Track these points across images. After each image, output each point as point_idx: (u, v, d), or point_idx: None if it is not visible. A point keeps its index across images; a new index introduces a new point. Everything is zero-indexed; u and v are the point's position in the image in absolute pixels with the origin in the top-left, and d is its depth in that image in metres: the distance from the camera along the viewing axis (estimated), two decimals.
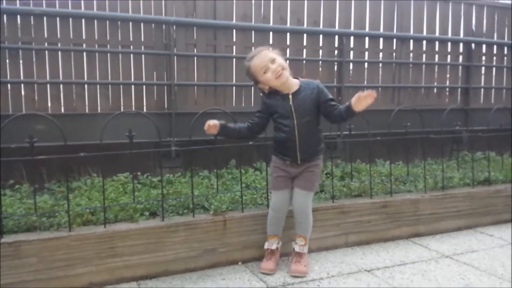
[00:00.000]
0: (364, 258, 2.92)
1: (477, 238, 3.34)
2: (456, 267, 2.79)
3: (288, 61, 3.91)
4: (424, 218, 3.35)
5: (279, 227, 2.75)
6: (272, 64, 2.53)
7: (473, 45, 4.94)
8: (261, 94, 2.71)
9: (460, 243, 3.21)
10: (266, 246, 2.74)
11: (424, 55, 4.79)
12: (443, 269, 2.75)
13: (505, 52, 5.16)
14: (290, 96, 2.59)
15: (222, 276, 2.62)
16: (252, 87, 3.98)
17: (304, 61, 4.23)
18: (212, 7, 3.85)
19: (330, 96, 2.63)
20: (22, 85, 3.36)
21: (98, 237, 2.45)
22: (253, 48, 4.00)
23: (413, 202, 3.31)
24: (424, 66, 4.79)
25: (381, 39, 4.57)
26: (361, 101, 2.41)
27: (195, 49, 3.84)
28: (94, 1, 3.51)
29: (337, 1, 4.34)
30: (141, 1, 3.63)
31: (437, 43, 4.85)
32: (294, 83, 2.63)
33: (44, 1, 3.38)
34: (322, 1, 4.27)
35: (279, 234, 2.76)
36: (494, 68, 5.13)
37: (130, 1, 3.60)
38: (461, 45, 4.95)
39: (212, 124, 2.54)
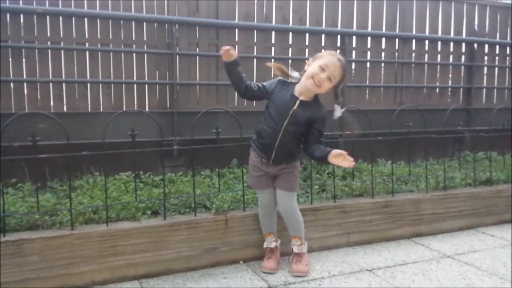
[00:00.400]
0: (366, 257, 2.93)
1: (478, 238, 3.34)
2: (458, 267, 2.79)
3: (290, 61, 3.93)
4: (426, 218, 3.35)
5: (271, 224, 2.75)
6: (327, 78, 2.46)
7: (475, 45, 4.92)
8: (279, 78, 2.65)
9: (462, 243, 3.21)
10: (265, 245, 2.76)
11: (426, 55, 4.78)
12: (444, 269, 2.76)
13: (508, 52, 5.14)
14: (298, 102, 2.54)
15: (223, 275, 2.62)
16: None
17: (306, 61, 4.22)
18: (215, 6, 3.85)
19: (322, 131, 2.58)
20: (25, 84, 3.37)
21: (100, 235, 2.46)
22: (255, 47, 4.01)
23: (415, 202, 3.31)
24: (426, 66, 4.78)
25: (383, 39, 4.56)
26: (339, 158, 2.39)
27: (197, 49, 3.85)
28: (97, 1, 3.51)
29: (340, 1, 4.33)
30: (143, 1, 3.63)
31: (439, 43, 4.84)
32: (311, 95, 2.57)
33: (47, 0, 3.38)
34: (324, 1, 4.26)
35: (274, 232, 2.76)
36: (496, 68, 5.12)
37: (132, 1, 3.60)
38: (463, 45, 4.93)
39: (231, 52, 2.46)
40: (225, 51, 2.45)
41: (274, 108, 2.57)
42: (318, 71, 2.47)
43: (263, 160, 2.63)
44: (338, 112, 2.61)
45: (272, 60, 4.03)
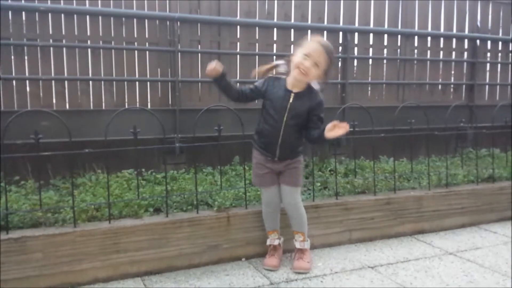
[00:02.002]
0: (368, 254, 2.93)
1: (481, 235, 3.33)
2: (460, 264, 2.79)
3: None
4: (428, 215, 3.35)
5: (275, 221, 2.76)
6: (313, 65, 2.45)
7: (478, 41, 4.92)
8: (272, 74, 2.66)
9: (464, 240, 3.21)
10: (268, 242, 2.76)
11: (428, 52, 4.77)
12: (446, 266, 2.76)
13: (510, 49, 5.14)
14: (292, 95, 2.56)
15: (225, 272, 2.63)
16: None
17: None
18: (217, 3, 3.85)
19: (321, 116, 2.59)
20: (27, 81, 3.38)
21: (103, 233, 2.46)
22: (257, 44, 4.01)
23: (417, 199, 3.31)
24: (428, 62, 4.77)
25: (385, 36, 4.56)
26: (334, 130, 2.39)
27: (199, 46, 3.85)
28: None
29: None
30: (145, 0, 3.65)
31: (442, 39, 4.83)
32: (303, 86, 2.58)
33: None
34: None
35: (277, 229, 2.77)
36: (499, 65, 5.11)
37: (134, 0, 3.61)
38: (466, 41, 4.92)
39: (215, 69, 2.43)
40: (212, 68, 2.43)
41: (271, 105, 2.58)
42: (302, 59, 2.47)
43: (268, 158, 2.64)
44: (315, 85, 2.60)
45: (274, 57, 4.04)
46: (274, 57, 4.05)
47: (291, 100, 2.54)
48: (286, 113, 2.54)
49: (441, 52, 4.83)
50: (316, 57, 2.46)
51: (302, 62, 2.46)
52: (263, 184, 2.70)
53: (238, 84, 2.63)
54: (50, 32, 3.40)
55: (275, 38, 4.09)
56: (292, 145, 2.62)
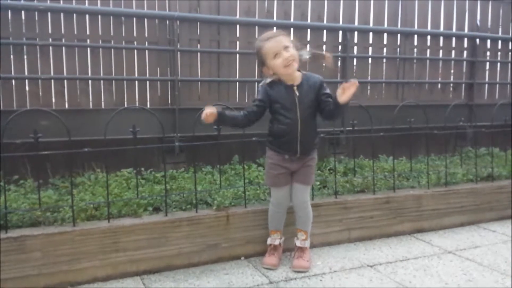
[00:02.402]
0: (367, 253, 2.93)
1: (480, 234, 3.34)
2: (459, 262, 2.79)
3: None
4: (427, 214, 3.35)
5: (280, 222, 2.76)
6: (285, 51, 2.48)
7: (477, 40, 4.91)
8: (261, 84, 2.66)
9: (463, 239, 3.21)
10: (268, 241, 2.76)
11: (428, 50, 4.77)
12: (445, 264, 2.76)
13: (510, 47, 5.13)
14: (295, 88, 2.57)
15: (225, 271, 2.63)
16: (256, 82, 3.97)
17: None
18: (216, 2, 3.85)
19: (328, 92, 2.62)
20: (27, 80, 3.37)
21: (102, 232, 2.46)
22: None
23: (416, 197, 3.31)
24: (428, 61, 4.77)
25: (385, 34, 4.55)
26: (345, 91, 2.39)
27: (198, 45, 3.84)
28: None
29: None
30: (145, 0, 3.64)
31: (441, 38, 4.82)
32: (298, 75, 2.61)
33: None
34: None
35: (281, 229, 2.77)
36: (498, 64, 5.10)
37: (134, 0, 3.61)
38: (465, 40, 4.92)
39: (210, 114, 2.41)
40: (206, 115, 2.40)
41: (281, 106, 2.58)
42: (279, 60, 2.48)
43: (286, 157, 2.64)
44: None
45: None
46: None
47: (297, 94, 2.56)
48: (298, 108, 2.55)
49: (441, 51, 4.83)
50: (280, 45, 2.48)
51: (282, 59, 2.47)
52: (277, 184, 2.69)
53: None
54: (50, 31, 3.40)
55: None
56: (311, 137, 2.66)
